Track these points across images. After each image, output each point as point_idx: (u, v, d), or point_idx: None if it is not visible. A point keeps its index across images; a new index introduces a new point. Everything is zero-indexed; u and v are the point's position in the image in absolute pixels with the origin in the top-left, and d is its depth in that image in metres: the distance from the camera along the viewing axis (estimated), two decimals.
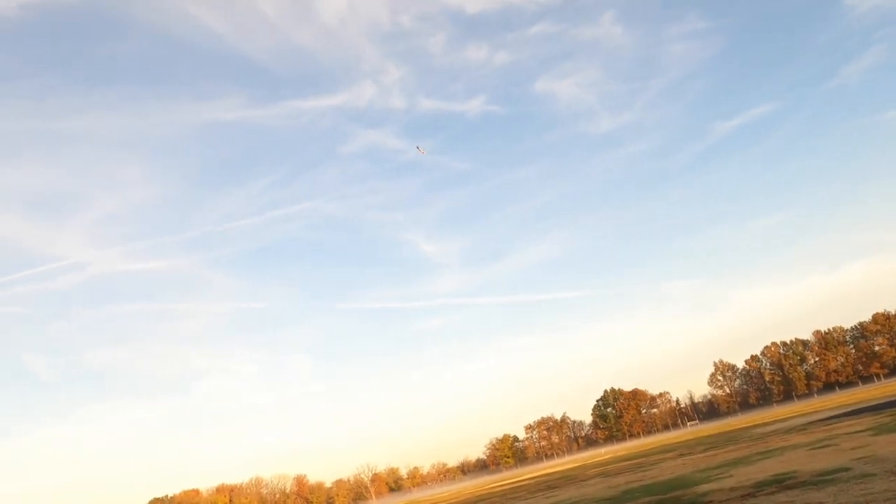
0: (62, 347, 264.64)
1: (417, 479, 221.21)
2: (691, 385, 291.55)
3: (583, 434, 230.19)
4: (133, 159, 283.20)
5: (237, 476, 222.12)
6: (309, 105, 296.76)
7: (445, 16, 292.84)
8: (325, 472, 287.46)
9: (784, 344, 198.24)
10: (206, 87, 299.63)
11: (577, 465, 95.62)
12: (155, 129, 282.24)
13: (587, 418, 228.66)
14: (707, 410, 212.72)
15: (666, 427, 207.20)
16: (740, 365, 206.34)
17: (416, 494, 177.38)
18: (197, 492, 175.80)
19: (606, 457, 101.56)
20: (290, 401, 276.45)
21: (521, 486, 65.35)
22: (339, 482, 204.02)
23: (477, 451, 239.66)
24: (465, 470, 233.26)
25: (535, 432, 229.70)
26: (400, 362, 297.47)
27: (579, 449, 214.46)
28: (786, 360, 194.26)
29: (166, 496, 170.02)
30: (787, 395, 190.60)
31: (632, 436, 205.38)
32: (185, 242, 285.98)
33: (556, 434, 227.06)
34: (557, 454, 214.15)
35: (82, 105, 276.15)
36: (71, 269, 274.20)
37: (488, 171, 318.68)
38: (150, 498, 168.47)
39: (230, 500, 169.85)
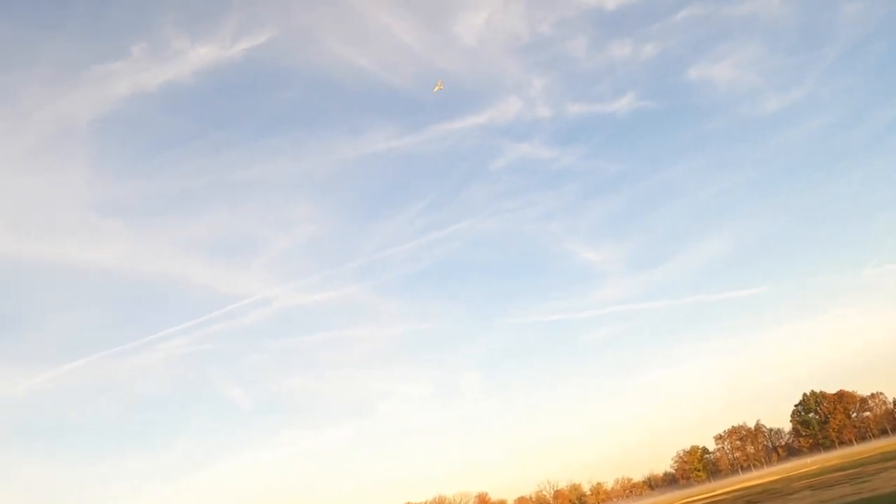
0: (255, 378, 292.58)
1: (601, 496, 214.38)
2: None
3: (782, 443, 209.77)
4: (300, 198, 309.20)
5: (421, 495, 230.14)
6: (455, 126, 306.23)
7: (585, 17, 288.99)
8: (506, 489, 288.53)
9: None
10: (357, 122, 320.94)
11: (778, 477, 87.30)
12: (317, 168, 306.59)
13: (785, 426, 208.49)
14: None
15: (884, 432, 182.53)
16: None
17: None
18: None
19: (813, 468, 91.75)
20: (465, 418, 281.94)
21: (716, 502, 60.82)
22: (521, 499, 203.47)
23: (663, 464, 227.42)
24: (653, 485, 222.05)
25: (726, 443, 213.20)
26: (571, 374, 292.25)
27: (779, 460, 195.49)
28: None
29: None
30: None
31: (842, 443, 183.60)
32: (352, 271, 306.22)
33: (750, 444, 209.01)
34: (754, 466, 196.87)
35: (253, 154, 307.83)
36: (257, 306, 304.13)
37: (645, 170, 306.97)
38: None
39: None
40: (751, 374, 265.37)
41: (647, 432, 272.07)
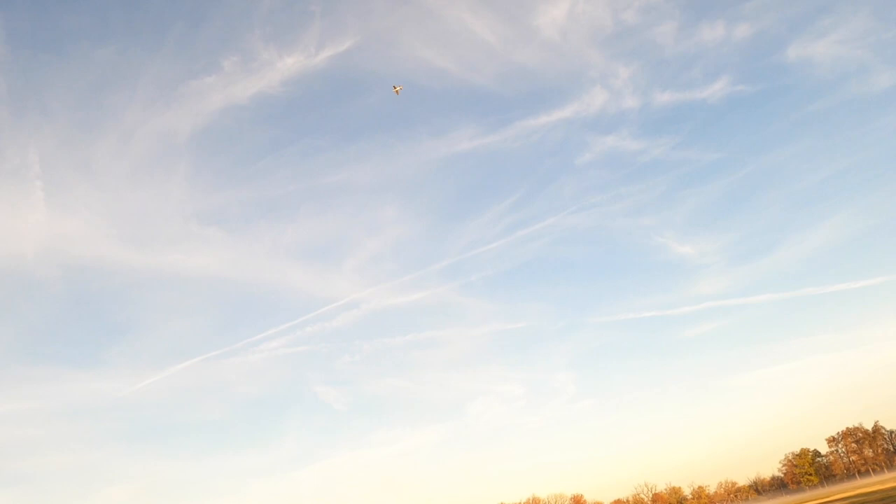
0: (349, 379, 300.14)
1: (703, 499, 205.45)
2: None
3: None
4: (387, 201, 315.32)
5: (514, 495, 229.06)
6: (540, 122, 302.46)
7: (672, 1, 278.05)
8: (601, 491, 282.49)
9: None
10: (441, 123, 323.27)
11: None
12: (402, 170, 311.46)
13: None
14: None
15: None
16: None
17: None
18: None
19: None
20: (558, 418, 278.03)
21: None
22: (617, 502, 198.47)
23: (770, 467, 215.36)
24: (759, 489, 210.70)
25: (840, 445, 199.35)
26: (668, 373, 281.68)
27: None
28: None
29: None
30: None
31: None
32: (440, 272, 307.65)
33: (868, 447, 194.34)
34: (873, 470, 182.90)
35: (341, 159, 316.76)
36: (348, 308, 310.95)
37: (741, 158, 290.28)
38: None
39: None
40: (865, 372, 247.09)
41: (752, 434, 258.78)
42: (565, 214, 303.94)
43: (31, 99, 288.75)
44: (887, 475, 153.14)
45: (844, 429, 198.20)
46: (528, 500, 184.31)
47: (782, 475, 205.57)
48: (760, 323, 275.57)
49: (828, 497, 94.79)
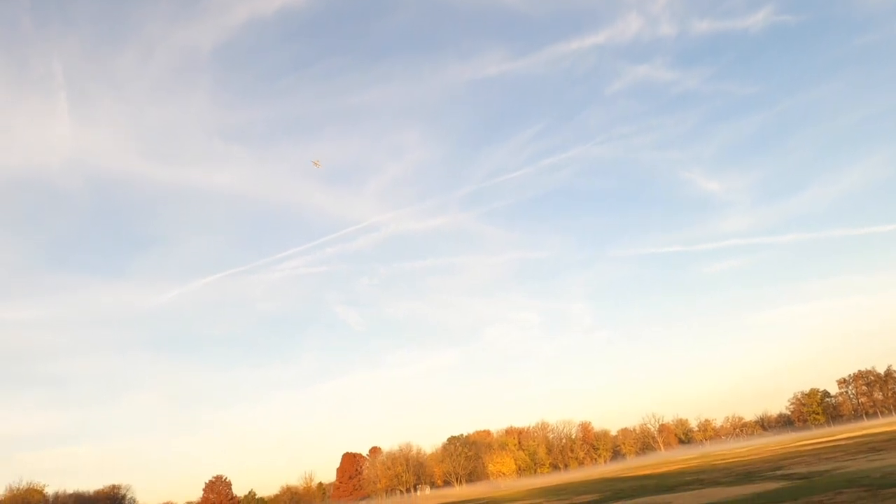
0: (367, 301, 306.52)
1: (709, 433, 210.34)
2: None
3: None
4: (411, 124, 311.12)
5: (524, 419, 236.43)
6: (571, 48, 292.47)
7: None
8: (610, 420, 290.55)
9: None
10: (468, 45, 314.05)
11: None
12: (427, 93, 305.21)
13: None
14: None
15: None
16: None
17: (709, 448, 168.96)
18: (488, 433, 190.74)
19: None
20: (572, 348, 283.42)
21: (836, 447, 57.92)
22: (624, 431, 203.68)
23: (778, 405, 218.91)
24: (766, 425, 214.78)
25: (850, 387, 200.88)
26: (686, 308, 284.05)
27: None
28: None
29: (461, 435, 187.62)
30: None
31: None
32: (461, 199, 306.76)
33: (878, 390, 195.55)
34: (882, 413, 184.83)
35: (366, 80, 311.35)
36: (368, 231, 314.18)
37: (779, 93, 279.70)
38: (448, 436, 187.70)
39: (518, 442, 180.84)
40: (886, 316, 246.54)
41: (763, 373, 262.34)
42: (591, 145, 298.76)
43: (53, 7, 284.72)
44: (894, 417, 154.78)
45: (857, 371, 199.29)
46: (538, 424, 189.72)
47: (789, 413, 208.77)
48: (782, 263, 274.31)
49: (833, 435, 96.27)
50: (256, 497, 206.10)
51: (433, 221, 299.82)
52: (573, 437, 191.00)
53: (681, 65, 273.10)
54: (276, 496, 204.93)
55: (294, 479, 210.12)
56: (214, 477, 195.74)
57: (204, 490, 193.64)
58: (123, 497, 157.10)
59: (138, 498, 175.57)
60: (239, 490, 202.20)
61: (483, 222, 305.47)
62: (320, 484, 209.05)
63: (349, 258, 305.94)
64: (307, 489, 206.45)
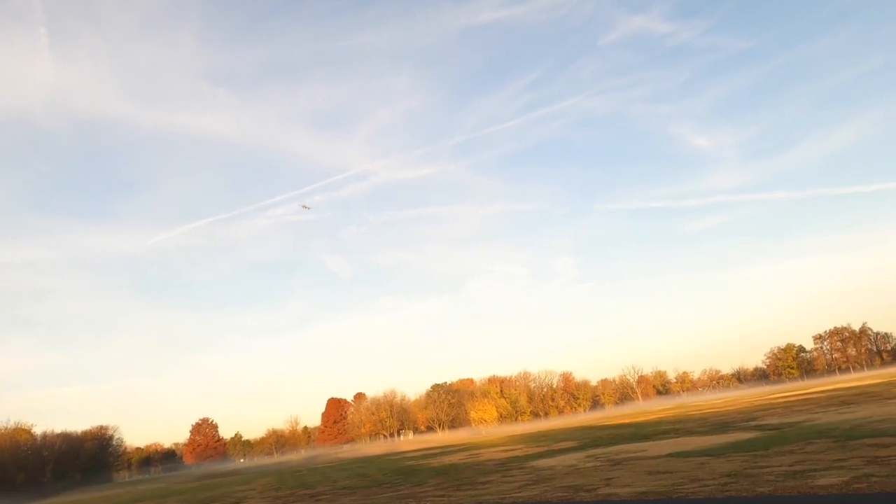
0: (355, 249, 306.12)
1: (687, 384, 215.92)
2: None
3: (888, 348, 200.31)
4: (402, 70, 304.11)
5: (507, 369, 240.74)
6: None
7: None
8: (590, 371, 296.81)
9: None
10: None
11: (880, 381, 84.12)
12: (420, 38, 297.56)
13: (895, 330, 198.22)
14: None
15: None
16: None
17: (686, 399, 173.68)
18: (471, 381, 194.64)
19: None
20: (556, 300, 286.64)
21: (808, 399, 59.78)
22: (604, 381, 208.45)
23: (755, 359, 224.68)
24: (741, 378, 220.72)
25: (825, 343, 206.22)
26: (670, 264, 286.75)
27: (882, 364, 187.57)
28: None
29: (445, 383, 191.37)
30: None
31: None
32: (451, 148, 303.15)
33: (852, 346, 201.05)
34: (854, 368, 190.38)
35: (358, 23, 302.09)
36: (356, 179, 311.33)
37: (774, 48, 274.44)
38: (432, 384, 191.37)
39: (501, 391, 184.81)
40: (864, 276, 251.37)
41: (743, 328, 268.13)
42: (584, 97, 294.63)
43: None
44: (866, 373, 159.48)
45: (832, 328, 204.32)
46: (520, 373, 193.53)
47: (765, 367, 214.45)
48: (767, 220, 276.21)
49: (806, 389, 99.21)
50: (243, 440, 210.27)
51: (423, 170, 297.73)
52: (554, 386, 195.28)
53: (677, 17, 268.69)
54: (262, 439, 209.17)
55: (280, 423, 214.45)
56: (201, 419, 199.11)
57: (191, 432, 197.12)
58: (111, 438, 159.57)
59: (125, 439, 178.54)
60: (225, 433, 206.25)
61: (473, 173, 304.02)
62: (305, 428, 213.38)
63: (337, 206, 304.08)
64: (293, 433, 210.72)
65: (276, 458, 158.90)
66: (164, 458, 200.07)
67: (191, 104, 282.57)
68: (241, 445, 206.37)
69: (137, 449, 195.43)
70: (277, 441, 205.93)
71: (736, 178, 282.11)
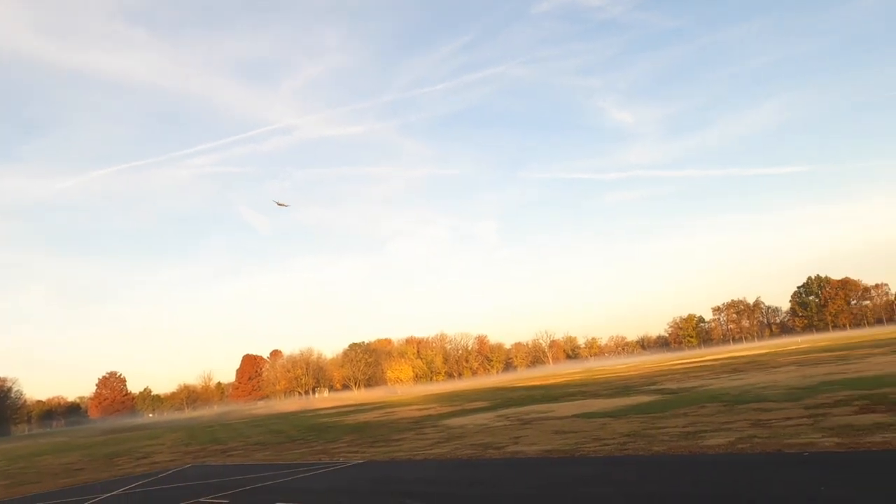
0: (276, 205, 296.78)
1: (595, 350, 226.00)
2: None
3: (777, 321, 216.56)
4: (334, 24, 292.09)
5: (424, 331, 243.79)
6: None
7: None
8: (505, 334, 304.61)
9: None
10: None
11: (768, 351, 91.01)
12: None
13: (784, 305, 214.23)
14: None
15: (879, 322, 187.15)
16: None
17: (593, 363, 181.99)
18: (389, 341, 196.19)
19: (803, 346, 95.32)
20: (476, 265, 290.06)
21: (704, 367, 63.98)
22: (517, 345, 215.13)
23: (658, 328, 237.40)
24: (645, 345, 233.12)
25: (723, 314, 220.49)
26: (586, 234, 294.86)
27: (771, 336, 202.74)
28: None
29: (363, 342, 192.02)
30: None
31: (836, 327, 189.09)
32: (380, 108, 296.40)
33: (746, 318, 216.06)
34: (746, 339, 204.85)
35: None
36: (281, 133, 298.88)
37: (701, 29, 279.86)
38: (350, 343, 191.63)
39: (418, 351, 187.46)
40: (761, 254, 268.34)
41: (650, 298, 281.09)
42: (514, 65, 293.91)
43: None
44: (756, 343, 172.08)
45: (729, 300, 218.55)
46: (437, 335, 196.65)
47: (667, 335, 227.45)
48: (680, 197, 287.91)
49: (702, 357, 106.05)
50: (152, 394, 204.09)
51: (350, 129, 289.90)
52: (469, 348, 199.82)
53: None
54: (173, 394, 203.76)
55: (192, 379, 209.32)
56: (108, 373, 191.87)
57: (97, 385, 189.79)
58: (9, 390, 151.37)
59: (27, 392, 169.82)
60: (134, 387, 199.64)
61: (401, 134, 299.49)
62: (219, 384, 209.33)
63: (259, 160, 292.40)
64: (205, 388, 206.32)
65: (188, 414, 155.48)
66: (67, 412, 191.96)
67: (106, 43, 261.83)
68: (150, 400, 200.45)
69: (38, 402, 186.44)
70: (189, 397, 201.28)
71: (654, 155, 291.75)
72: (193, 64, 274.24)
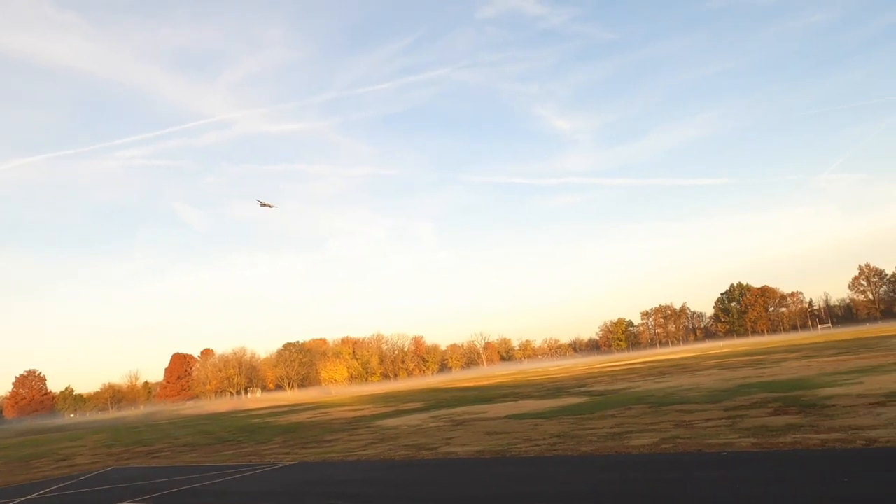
0: (212, 201, 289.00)
1: (528, 352, 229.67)
2: (829, 288, 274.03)
3: (701, 326, 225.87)
4: (275, 17, 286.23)
5: (360, 331, 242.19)
6: None
7: None
8: (440, 336, 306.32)
9: None
10: None
11: (692, 355, 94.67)
12: None
13: (708, 311, 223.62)
14: (843, 315, 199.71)
15: (794, 328, 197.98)
16: (889, 271, 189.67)
17: (527, 365, 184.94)
18: (324, 341, 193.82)
19: (724, 350, 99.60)
20: (413, 266, 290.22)
21: (631, 369, 66.05)
22: (453, 346, 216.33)
23: (590, 331, 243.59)
24: (577, 348, 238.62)
25: (651, 319, 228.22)
26: (522, 238, 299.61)
27: (696, 340, 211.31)
28: None
29: (297, 342, 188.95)
30: None
31: (755, 333, 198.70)
32: (320, 106, 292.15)
33: (672, 323, 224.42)
34: (672, 343, 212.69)
35: None
36: (217, 127, 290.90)
37: (636, 42, 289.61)
38: (284, 342, 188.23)
39: (353, 352, 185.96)
40: (687, 261, 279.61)
41: (581, 302, 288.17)
42: (456, 68, 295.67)
43: None
44: (681, 347, 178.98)
45: (657, 306, 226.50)
46: (373, 336, 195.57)
47: (598, 339, 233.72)
48: (611, 204, 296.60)
49: (630, 360, 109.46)
50: (74, 394, 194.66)
51: (289, 126, 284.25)
52: (405, 349, 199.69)
53: (550, 1, 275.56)
54: (97, 394, 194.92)
55: (118, 378, 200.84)
56: (27, 371, 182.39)
57: (14, 384, 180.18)
58: None
59: None
60: (56, 386, 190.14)
61: (341, 133, 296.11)
62: (146, 383, 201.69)
63: (195, 154, 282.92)
64: (131, 388, 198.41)
65: (112, 415, 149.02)
66: None
67: (32, 25, 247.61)
68: (72, 400, 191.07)
69: None
70: (114, 396, 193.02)
71: (588, 163, 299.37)
72: (128, 52, 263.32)
